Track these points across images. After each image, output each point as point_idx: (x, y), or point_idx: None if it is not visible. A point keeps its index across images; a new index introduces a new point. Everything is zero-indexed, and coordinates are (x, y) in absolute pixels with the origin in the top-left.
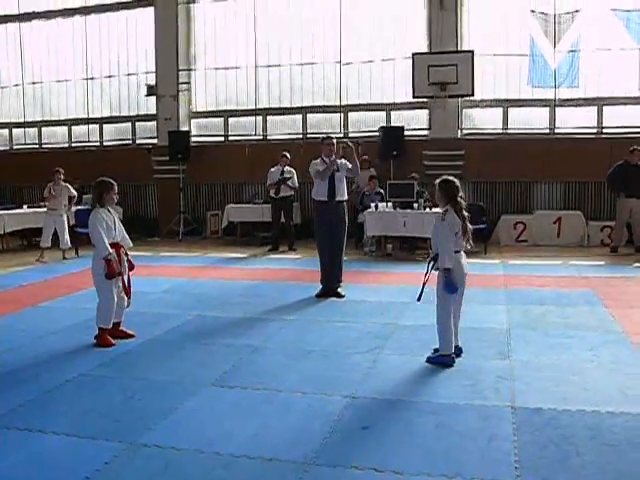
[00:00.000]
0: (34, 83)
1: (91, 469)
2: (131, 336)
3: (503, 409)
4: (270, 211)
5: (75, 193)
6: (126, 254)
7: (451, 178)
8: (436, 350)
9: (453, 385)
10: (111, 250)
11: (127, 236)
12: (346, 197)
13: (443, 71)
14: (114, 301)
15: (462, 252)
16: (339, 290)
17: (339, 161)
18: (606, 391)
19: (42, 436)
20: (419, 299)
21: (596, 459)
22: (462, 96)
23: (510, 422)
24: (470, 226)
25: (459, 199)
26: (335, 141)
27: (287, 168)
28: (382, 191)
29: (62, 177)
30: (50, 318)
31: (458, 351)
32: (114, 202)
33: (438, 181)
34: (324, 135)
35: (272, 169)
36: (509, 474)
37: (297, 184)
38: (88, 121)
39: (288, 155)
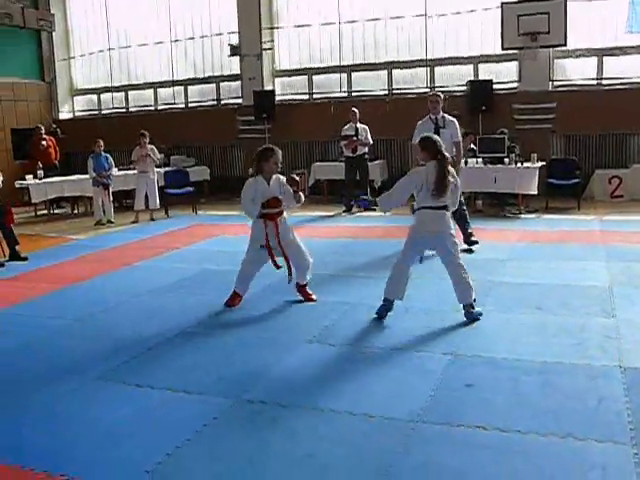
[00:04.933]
0: (120, 48)
1: (199, 424)
2: (312, 300)
3: (612, 369)
4: (344, 170)
5: (159, 156)
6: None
7: (429, 135)
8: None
9: (558, 344)
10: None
11: (292, 198)
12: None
13: (534, 20)
14: (250, 268)
15: (434, 209)
16: (473, 240)
17: (448, 118)
18: None
19: (150, 391)
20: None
21: None
22: (554, 46)
23: (620, 382)
24: (452, 180)
25: (445, 153)
26: (440, 97)
27: (360, 125)
28: (474, 147)
29: (147, 140)
30: (145, 277)
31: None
32: (274, 171)
33: (418, 140)
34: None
35: (345, 127)
36: (623, 436)
37: (370, 140)
38: (173, 83)
39: (357, 110)
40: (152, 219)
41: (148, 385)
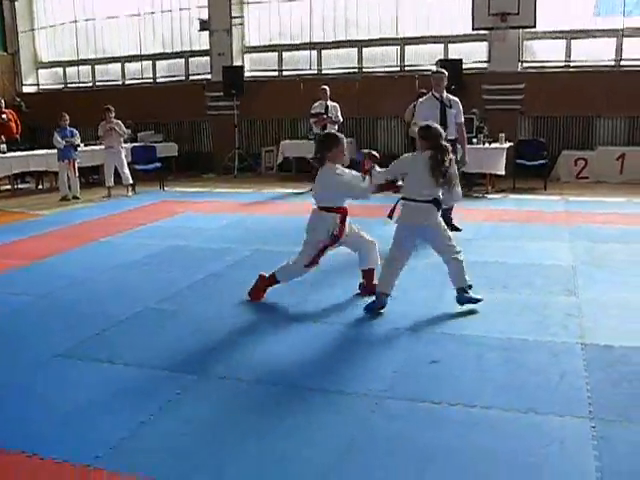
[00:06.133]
0: (87, 20)
1: (164, 399)
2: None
3: (573, 346)
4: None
5: (125, 130)
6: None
7: (431, 124)
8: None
9: (521, 321)
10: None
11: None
12: (455, 136)
13: (504, 1)
14: (303, 270)
15: (419, 202)
16: (454, 223)
17: (452, 97)
18: None
19: (114, 367)
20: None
21: None
22: (523, 27)
23: (581, 359)
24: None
25: (446, 144)
26: (445, 75)
27: (330, 103)
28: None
29: (113, 114)
30: (111, 254)
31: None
32: (343, 162)
33: (419, 129)
34: (434, 69)
35: (315, 104)
36: (583, 410)
37: (340, 118)
38: (141, 58)
39: (327, 88)
40: (127, 195)
41: (111, 361)
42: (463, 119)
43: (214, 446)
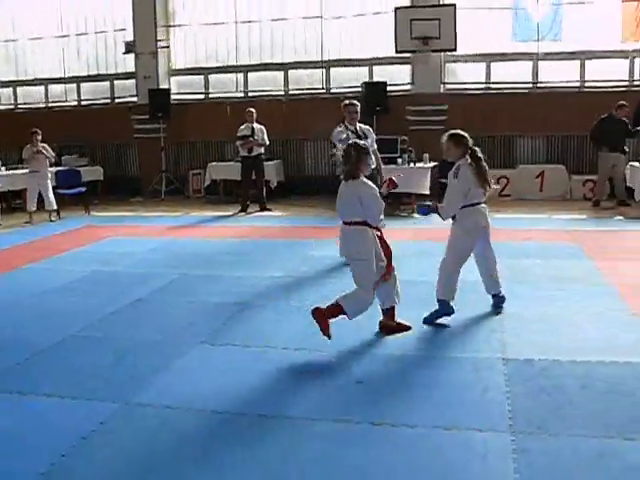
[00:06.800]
0: (7, 41)
1: (87, 429)
2: (408, 328)
3: (495, 361)
4: (240, 170)
5: (52, 154)
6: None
7: (458, 131)
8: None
9: (445, 338)
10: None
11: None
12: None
13: (426, 25)
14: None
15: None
16: None
17: (364, 127)
18: (595, 341)
19: (35, 398)
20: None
21: (588, 408)
22: (445, 51)
23: (502, 373)
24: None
25: (475, 148)
26: (359, 107)
27: (257, 125)
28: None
29: (40, 138)
30: (33, 280)
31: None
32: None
33: (449, 137)
34: (347, 100)
35: (242, 127)
36: (503, 424)
37: (267, 141)
38: (65, 80)
39: (253, 110)
40: (51, 220)
41: (32, 392)
42: (375, 146)
43: (138, 476)
